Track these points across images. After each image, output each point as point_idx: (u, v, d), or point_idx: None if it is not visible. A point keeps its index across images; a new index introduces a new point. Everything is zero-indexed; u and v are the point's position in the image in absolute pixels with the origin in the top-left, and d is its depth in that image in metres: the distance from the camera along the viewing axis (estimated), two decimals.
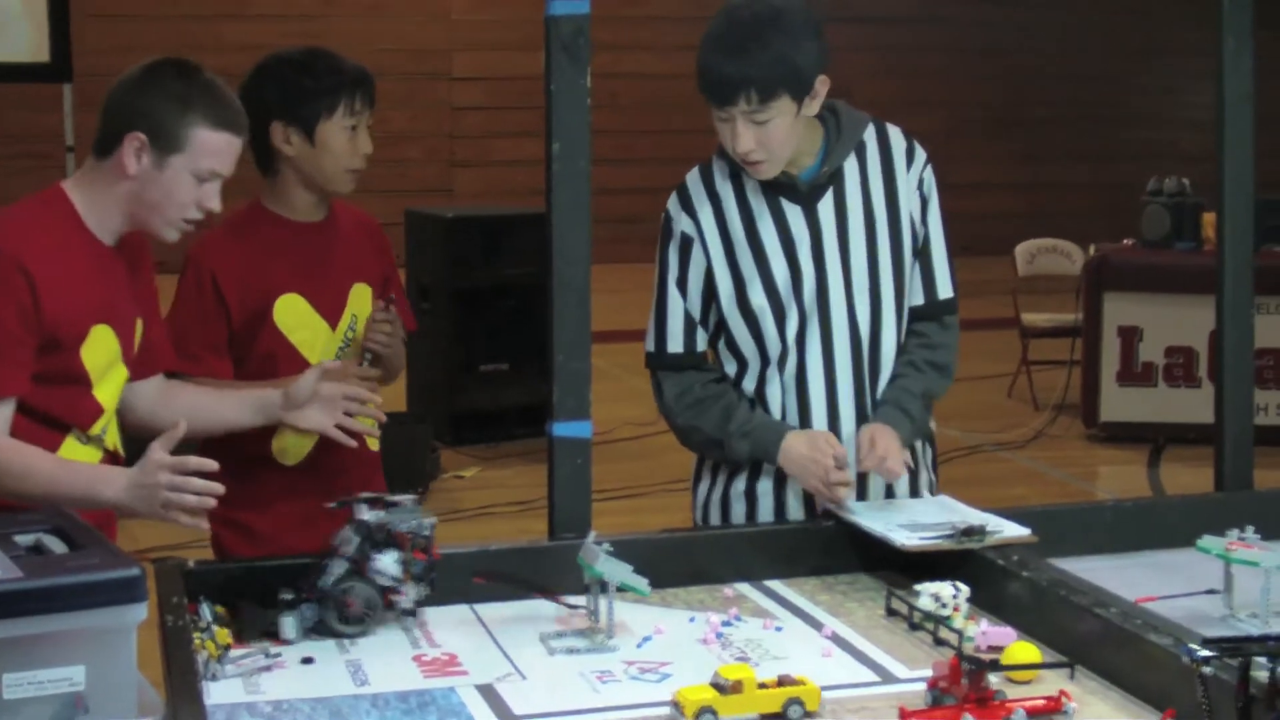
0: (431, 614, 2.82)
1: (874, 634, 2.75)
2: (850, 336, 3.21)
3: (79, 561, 2.30)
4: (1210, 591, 2.83)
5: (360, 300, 3.46)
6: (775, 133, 3.09)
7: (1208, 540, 2.81)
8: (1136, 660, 2.43)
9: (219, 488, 2.76)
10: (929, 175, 3.28)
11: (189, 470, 2.74)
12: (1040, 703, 2.34)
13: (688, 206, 3.23)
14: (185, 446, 2.86)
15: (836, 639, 2.72)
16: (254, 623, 2.70)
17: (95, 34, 12.97)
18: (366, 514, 2.76)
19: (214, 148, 2.85)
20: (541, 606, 2.83)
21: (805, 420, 3.20)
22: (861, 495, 3.23)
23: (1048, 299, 9.79)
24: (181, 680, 2.32)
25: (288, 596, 2.71)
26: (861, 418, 3.21)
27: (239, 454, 3.23)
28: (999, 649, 2.55)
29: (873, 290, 3.21)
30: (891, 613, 2.82)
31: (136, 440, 3.01)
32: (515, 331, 8.46)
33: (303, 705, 2.44)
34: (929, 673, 2.41)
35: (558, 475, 3.05)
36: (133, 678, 2.26)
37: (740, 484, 3.27)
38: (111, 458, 2.99)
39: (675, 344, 3.27)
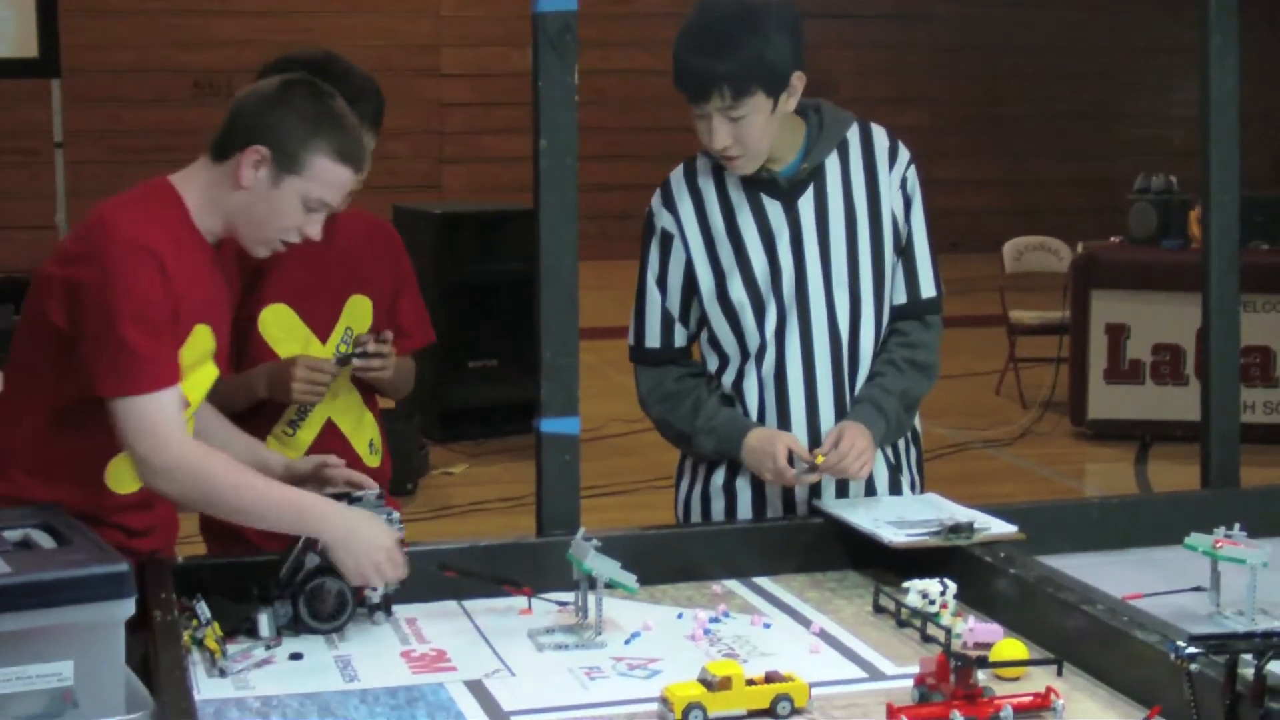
0: (420, 610, 2.82)
1: (862, 630, 2.75)
2: (829, 332, 3.21)
3: (67, 557, 2.30)
4: (1197, 589, 2.83)
5: (357, 313, 3.38)
6: (751, 129, 3.10)
7: (1194, 537, 2.81)
8: (1123, 657, 2.44)
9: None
10: (912, 175, 3.28)
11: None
12: (1028, 699, 2.34)
13: (669, 202, 3.24)
14: None
15: (825, 635, 2.73)
16: (228, 618, 2.68)
17: (83, 29, 12.93)
18: None
19: (331, 179, 2.79)
20: (531, 603, 2.83)
21: (784, 416, 3.20)
22: (842, 493, 3.23)
23: (1035, 296, 9.79)
24: (170, 676, 2.32)
25: (258, 592, 2.72)
26: (840, 414, 3.21)
27: None
28: (986, 646, 2.56)
29: (852, 286, 3.22)
30: (879, 609, 2.83)
31: None
32: (504, 328, 8.45)
33: (292, 701, 2.44)
34: (917, 669, 2.42)
35: (546, 471, 3.06)
36: (121, 673, 2.25)
37: (719, 480, 3.28)
38: None
39: (653, 339, 3.28)
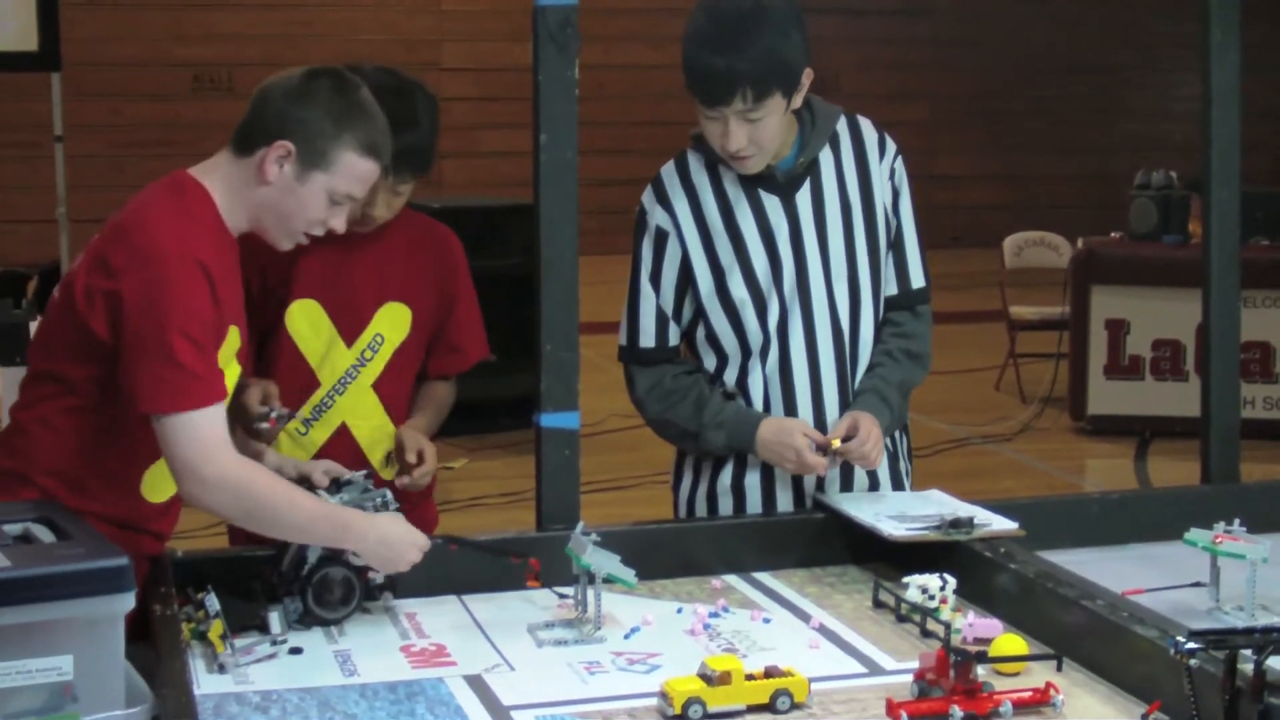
0: (420, 605, 2.82)
1: (862, 626, 2.75)
2: (831, 326, 3.21)
3: (66, 551, 2.30)
4: (1197, 584, 2.84)
5: (391, 321, 3.26)
6: (766, 129, 3.09)
7: (1194, 533, 2.81)
8: (1123, 652, 2.44)
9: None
10: (900, 166, 3.28)
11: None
12: (1027, 694, 2.34)
13: (663, 199, 3.23)
14: None
15: (824, 630, 2.73)
16: (238, 618, 2.69)
17: (84, 22, 12.93)
18: (331, 498, 2.78)
19: (358, 173, 2.76)
20: (529, 598, 2.84)
21: (790, 410, 3.20)
22: (846, 486, 3.23)
23: (1035, 292, 9.78)
24: (170, 670, 2.32)
25: (264, 590, 2.72)
26: (844, 406, 3.21)
27: None
28: (986, 641, 2.56)
29: (851, 279, 3.22)
30: (879, 604, 2.83)
31: None
32: (504, 323, 8.36)
33: (291, 695, 2.44)
34: (916, 664, 2.42)
35: (545, 466, 3.06)
36: (120, 667, 2.25)
37: (726, 478, 3.27)
38: None
39: (647, 339, 3.26)
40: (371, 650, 2.64)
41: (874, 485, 3.27)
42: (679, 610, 2.83)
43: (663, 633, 2.72)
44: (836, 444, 3.09)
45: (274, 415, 3.06)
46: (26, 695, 2.18)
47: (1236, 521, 2.80)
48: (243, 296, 2.86)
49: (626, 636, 2.69)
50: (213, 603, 2.61)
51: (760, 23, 3.03)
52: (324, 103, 2.74)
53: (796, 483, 3.21)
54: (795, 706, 2.36)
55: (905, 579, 2.77)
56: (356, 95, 2.79)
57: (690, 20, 3.10)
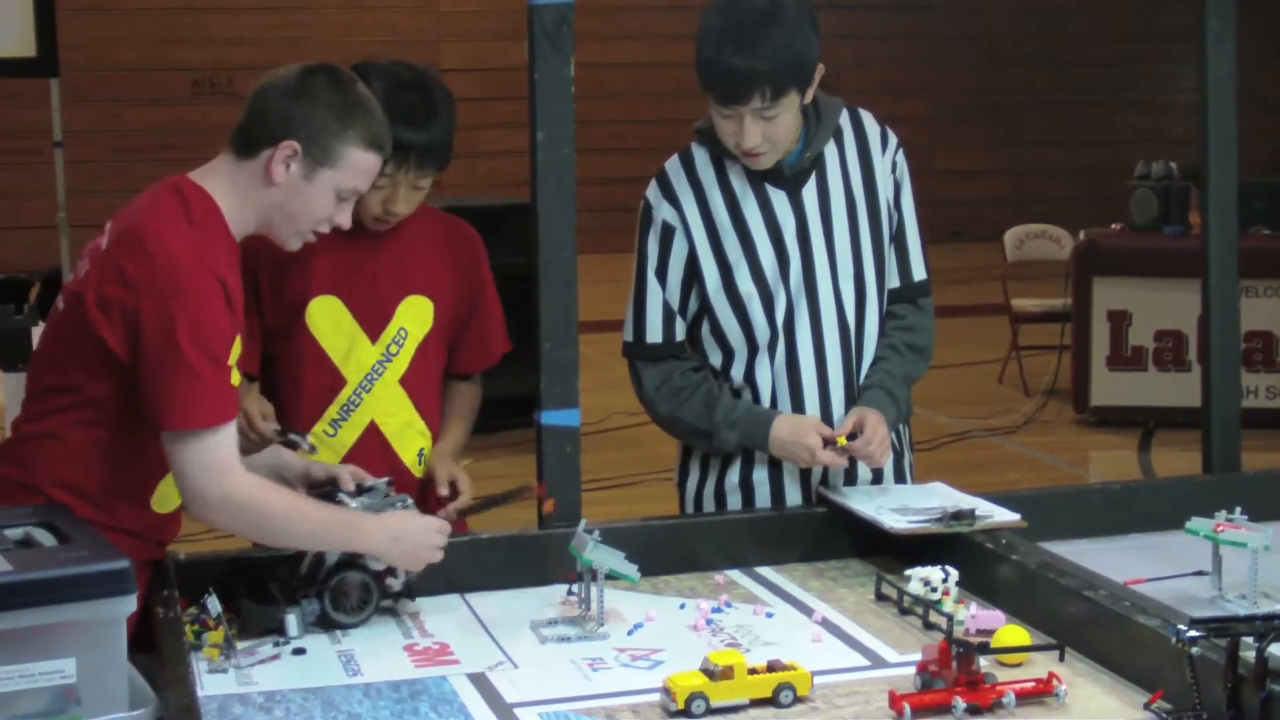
0: (423, 604, 2.83)
1: (864, 619, 2.75)
2: (838, 320, 3.21)
3: (68, 554, 2.29)
4: (1199, 573, 2.84)
5: (414, 315, 3.20)
6: (781, 126, 3.09)
7: (1196, 522, 2.82)
8: (1125, 642, 2.44)
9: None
10: (901, 159, 3.29)
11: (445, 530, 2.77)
12: (1030, 685, 2.34)
13: (669, 195, 3.22)
14: None
15: (827, 624, 2.73)
16: (257, 620, 2.70)
17: (82, 28, 12.94)
18: (353, 502, 2.78)
19: (364, 167, 2.74)
20: (533, 596, 2.84)
21: (798, 405, 3.20)
22: (850, 480, 3.23)
23: (1037, 284, 9.78)
24: (174, 672, 2.33)
25: (279, 590, 2.72)
26: (850, 400, 3.21)
27: None
28: (989, 632, 2.56)
29: (856, 274, 3.22)
30: (881, 597, 2.83)
31: None
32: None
33: (295, 696, 2.44)
34: (919, 657, 2.42)
35: (547, 463, 3.06)
36: (123, 669, 2.26)
37: (734, 475, 3.26)
38: None
39: (654, 334, 3.26)
40: (375, 649, 2.64)
41: (878, 479, 3.27)
42: (682, 606, 2.83)
43: (666, 628, 2.72)
44: (842, 440, 3.10)
45: (308, 445, 3.03)
46: (30, 698, 2.18)
47: (1238, 510, 2.80)
48: (244, 302, 2.83)
49: (629, 633, 2.69)
50: (214, 605, 2.61)
51: (777, 21, 3.03)
52: (324, 99, 2.72)
53: (805, 477, 3.21)
54: (798, 700, 2.36)
55: (907, 572, 2.77)
56: (355, 90, 2.77)
57: (704, 19, 3.09)
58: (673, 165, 3.25)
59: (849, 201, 3.22)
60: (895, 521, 2.94)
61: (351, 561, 2.73)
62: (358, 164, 2.74)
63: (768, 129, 3.07)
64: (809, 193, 3.20)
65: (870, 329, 3.24)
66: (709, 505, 3.29)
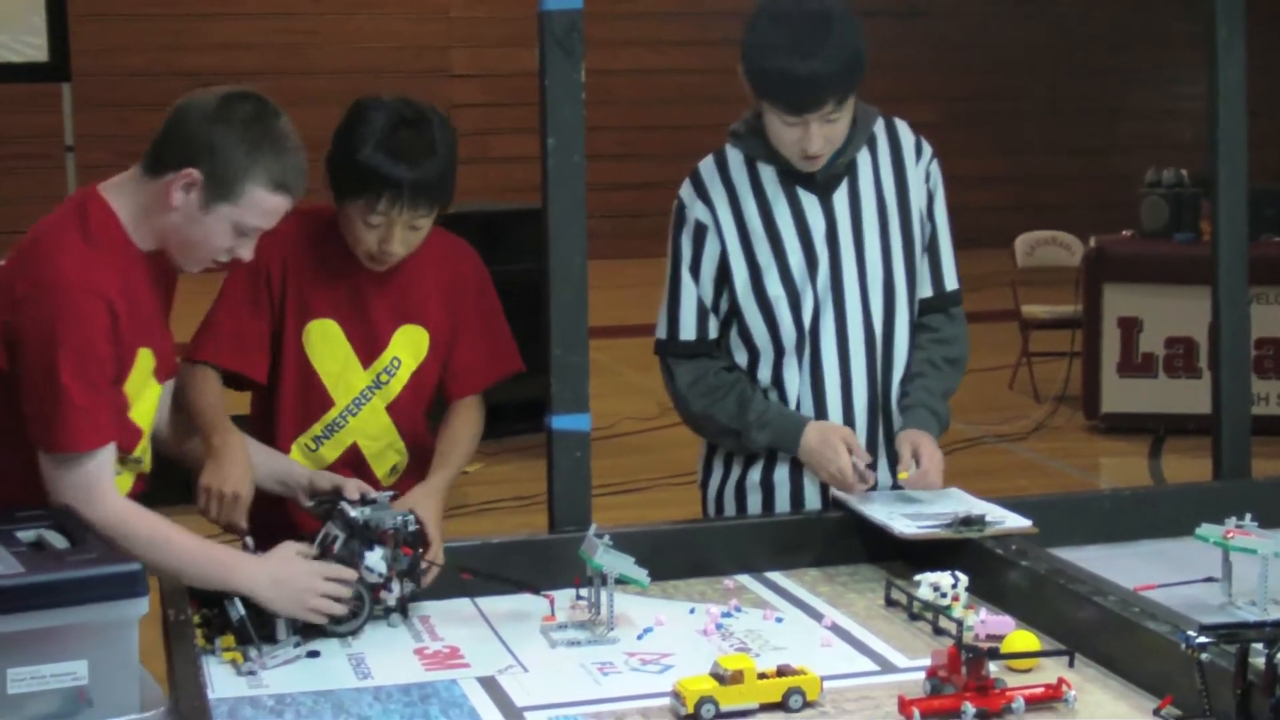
0: (433, 607, 2.83)
1: (874, 624, 2.75)
2: (864, 325, 3.21)
3: (80, 557, 2.30)
4: (1208, 579, 2.84)
5: (409, 345, 3.14)
6: (840, 128, 3.12)
7: (1206, 528, 2.81)
8: (1135, 648, 2.44)
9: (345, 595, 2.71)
10: (935, 169, 3.30)
11: (331, 576, 2.69)
12: (1040, 690, 2.34)
13: (703, 194, 3.23)
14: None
15: (836, 629, 2.73)
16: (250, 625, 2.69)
17: (93, 34, 12.97)
18: (353, 511, 2.77)
19: (266, 208, 2.68)
20: (543, 600, 2.84)
21: (820, 408, 3.20)
22: (871, 485, 3.23)
23: (1048, 291, 9.77)
24: (185, 674, 2.33)
25: None
26: (874, 407, 3.23)
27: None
28: (998, 638, 2.56)
29: (886, 281, 3.22)
30: (891, 603, 2.83)
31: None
32: (515, 328, 8.44)
33: (305, 698, 2.45)
34: (928, 662, 2.42)
35: (557, 468, 3.06)
36: (135, 671, 2.26)
37: (756, 474, 3.27)
38: (144, 480, 2.85)
39: (688, 331, 3.26)
40: (385, 653, 2.65)
41: (895, 488, 3.27)
42: (691, 610, 2.83)
43: (675, 633, 2.72)
44: (904, 475, 3.11)
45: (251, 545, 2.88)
46: (42, 700, 2.19)
47: (1248, 516, 2.80)
48: (159, 311, 2.79)
49: (639, 637, 2.70)
50: (235, 609, 2.62)
51: (833, 23, 3.05)
52: (237, 131, 2.65)
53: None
54: (808, 705, 2.36)
55: (917, 577, 2.77)
56: (273, 125, 2.68)
57: (754, 29, 3.09)
58: (707, 165, 3.25)
59: (880, 208, 3.23)
60: (905, 527, 2.94)
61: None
62: (258, 203, 2.67)
63: (830, 131, 3.10)
64: (840, 198, 3.21)
65: (900, 337, 3.25)
66: (729, 503, 3.30)
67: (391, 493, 2.91)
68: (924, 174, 3.28)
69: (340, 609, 2.69)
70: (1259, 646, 2.11)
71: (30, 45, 8.68)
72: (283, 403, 3.13)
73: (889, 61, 15.61)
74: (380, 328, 3.14)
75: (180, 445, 2.97)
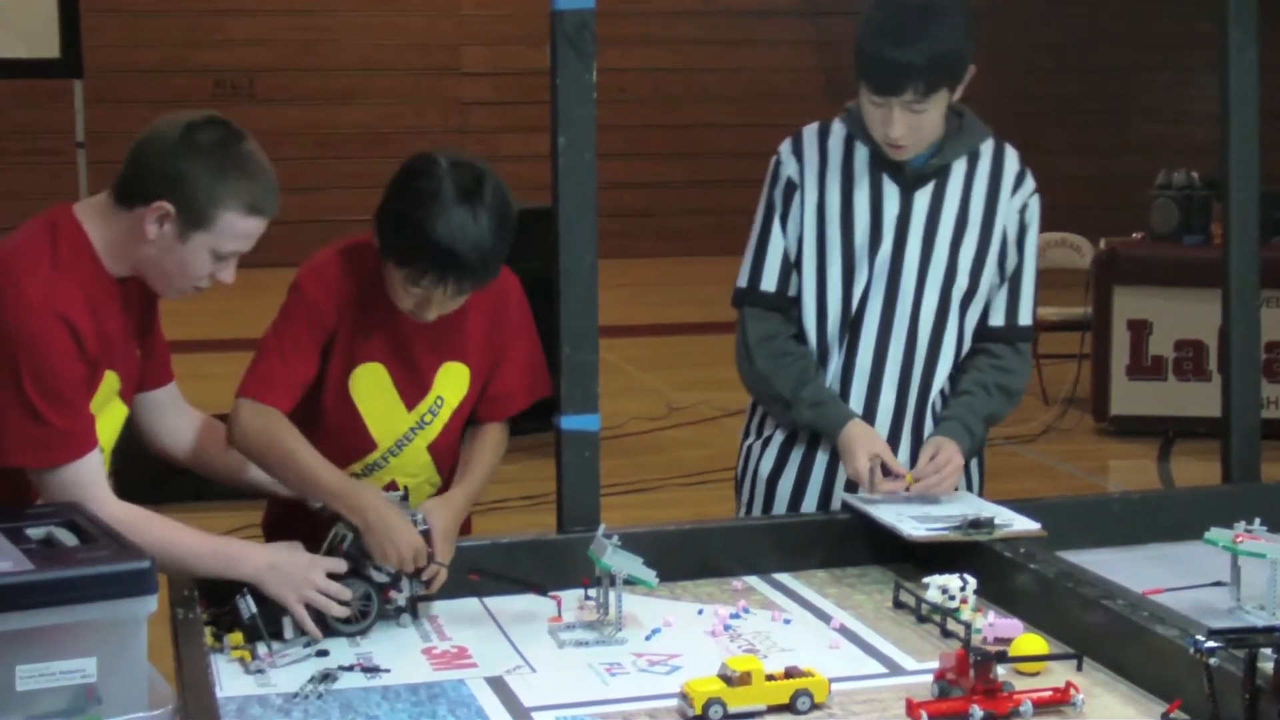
0: (441, 607, 2.83)
1: (882, 626, 2.75)
2: (910, 321, 3.23)
3: (89, 554, 2.31)
4: (1217, 583, 2.83)
5: (452, 383, 3.06)
6: (928, 122, 3.15)
7: (1215, 532, 2.81)
8: (1143, 652, 2.44)
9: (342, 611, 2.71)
10: (1034, 204, 3.31)
11: (325, 569, 2.70)
12: (1047, 694, 2.34)
13: (798, 153, 3.29)
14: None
15: (844, 631, 2.73)
16: (261, 622, 2.69)
17: (105, 29, 12.99)
18: None
19: (240, 231, 2.66)
20: (551, 600, 2.84)
21: (844, 394, 3.23)
22: None
23: (1057, 293, 9.74)
24: (193, 672, 2.34)
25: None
26: (900, 408, 3.24)
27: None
28: (1006, 641, 2.56)
29: (944, 286, 3.24)
30: (899, 605, 2.83)
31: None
32: None
33: (313, 697, 2.45)
34: (936, 664, 2.42)
35: (566, 468, 3.06)
36: (144, 669, 2.27)
37: (797, 454, 3.30)
38: None
39: (770, 282, 3.29)
40: (393, 652, 2.65)
41: None
42: (699, 611, 2.83)
43: (683, 634, 2.72)
44: (910, 479, 3.12)
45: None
46: (50, 697, 2.20)
47: (1257, 521, 2.80)
48: (128, 336, 2.78)
49: (647, 638, 2.70)
50: (247, 606, 2.63)
51: (936, 19, 3.10)
52: (203, 159, 2.63)
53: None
54: (815, 707, 2.36)
55: (925, 579, 2.77)
56: (238, 148, 2.66)
57: (866, 12, 3.17)
58: (810, 130, 3.31)
59: (961, 218, 3.24)
60: (914, 529, 2.94)
61: (355, 571, 2.73)
62: (234, 228, 2.66)
63: (915, 122, 3.13)
64: (922, 196, 3.24)
65: (945, 350, 3.26)
66: (766, 464, 3.33)
67: (404, 492, 2.91)
68: (1021, 204, 3.29)
69: (339, 610, 2.69)
70: (1267, 651, 2.11)
71: (42, 41, 8.69)
72: (323, 442, 2.97)
73: None
74: (425, 370, 3.05)
75: (240, 475, 3.01)
